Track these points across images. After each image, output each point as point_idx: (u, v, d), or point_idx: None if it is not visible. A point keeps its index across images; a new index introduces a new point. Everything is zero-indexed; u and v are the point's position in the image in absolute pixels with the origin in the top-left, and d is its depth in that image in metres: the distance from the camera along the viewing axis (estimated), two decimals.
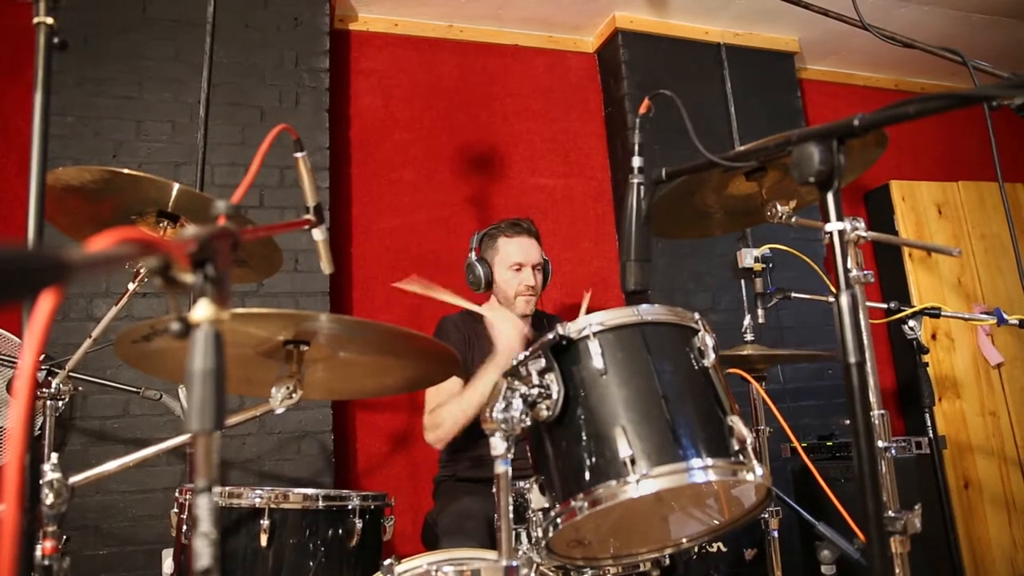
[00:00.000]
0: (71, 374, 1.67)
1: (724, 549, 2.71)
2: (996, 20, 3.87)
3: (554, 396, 1.24)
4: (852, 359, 0.95)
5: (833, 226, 1.00)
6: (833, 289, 2.20)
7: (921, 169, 4.24)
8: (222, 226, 0.69)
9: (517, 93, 3.71)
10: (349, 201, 3.32)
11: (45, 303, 0.39)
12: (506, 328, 2.15)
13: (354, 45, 3.52)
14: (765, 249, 2.22)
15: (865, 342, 1.03)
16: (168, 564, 2.43)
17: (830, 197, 1.01)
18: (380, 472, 3.09)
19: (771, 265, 2.44)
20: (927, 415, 1.93)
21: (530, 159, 3.65)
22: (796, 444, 1.57)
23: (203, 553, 0.67)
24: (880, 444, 1.37)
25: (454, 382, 2.27)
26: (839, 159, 0.99)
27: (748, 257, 3.52)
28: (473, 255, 2.44)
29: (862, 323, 1.07)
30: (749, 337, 2.00)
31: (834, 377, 3.64)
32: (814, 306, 3.64)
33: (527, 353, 1.28)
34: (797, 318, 3.55)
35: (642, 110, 1.39)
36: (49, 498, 1.12)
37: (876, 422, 1.37)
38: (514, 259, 2.37)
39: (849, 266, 1.10)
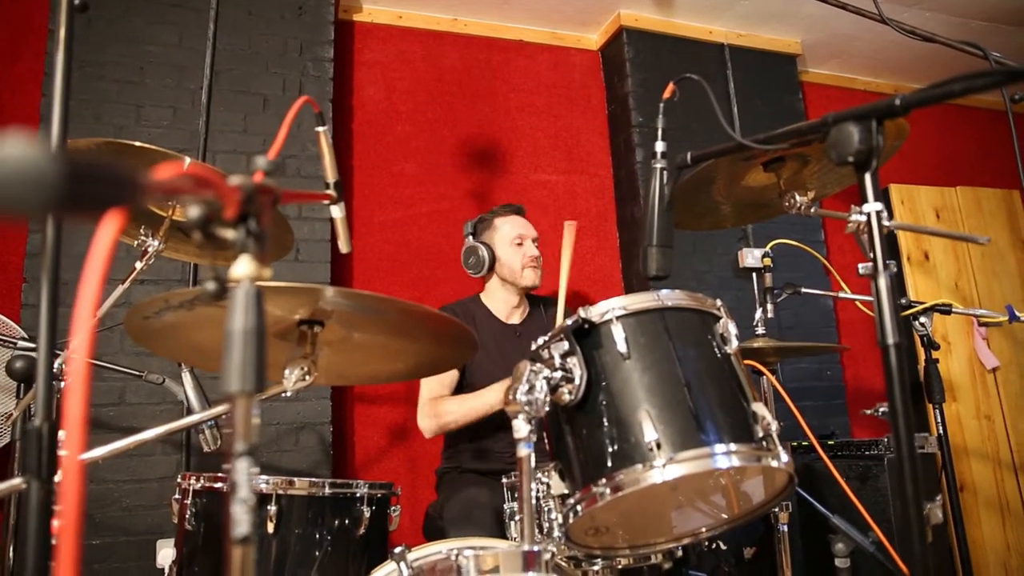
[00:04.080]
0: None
1: (724, 547, 2.70)
2: (996, 27, 3.90)
3: (576, 380, 1.22)
4: (890, 340, 0.93)
5: (871, 207, 0.98)
6: (843, 284, 2.20)
7: (920, 173, 4.26)
8: (266, 182, 0.67)
9: (520, 88, 3.70)
10: (351, 192, 3.29)
11: (109, 224, 0.36)
12: None
13: (358, 36, 3.49)
14: (773, 244, 2.21)
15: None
16: (163, 554, 2.39)
17: (867, 178, 0.99)
18: (378, 465, 3.05)
19: (772, 264, 2.44)
20: (937, 412, 1.92)
21: (533, 155, 3.63)
22: (812, 438, 1.56)
23: (241, 520, 0.65)
24: None
25: (451, 372, 2.27)
26: (878, 139, 0.97)
27: (749, 256, 3.55)
28: (471, 239, 2.45)
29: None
30: (760, 331, 1.99)
31: (833, 378, 3.64)
32: (814, 305, 3.65)
33: (549, 336, 1.26)
34: (797, 318, 3.56)
35: (666, 94, 1.37)
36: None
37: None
38: (516, 233, 2.41)
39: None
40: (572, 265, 2.25)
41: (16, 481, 1.04)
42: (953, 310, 1.92)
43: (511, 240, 2.40)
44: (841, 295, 2.11)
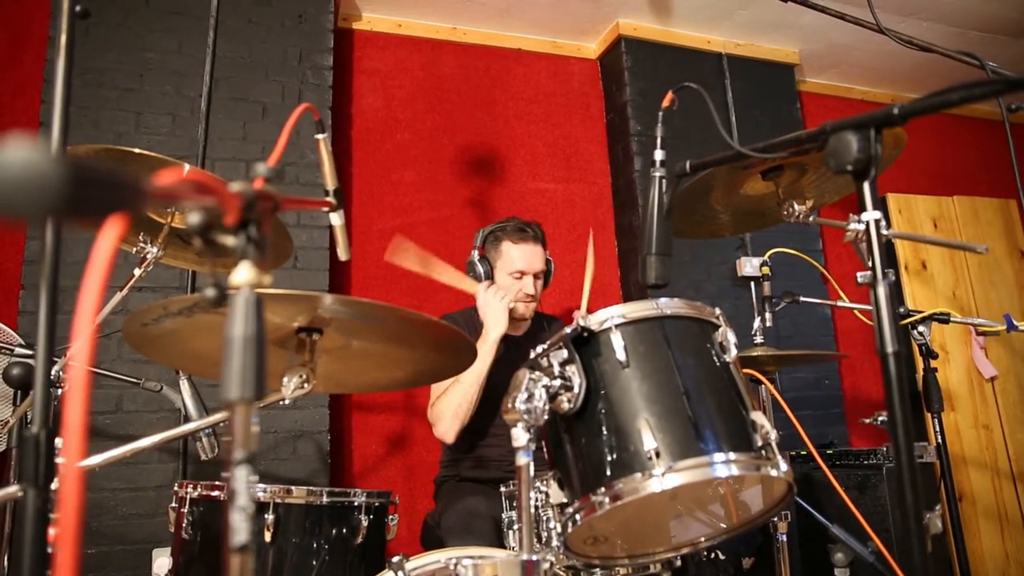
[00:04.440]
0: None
1: (722, 557, 2.70)
2: (993, 38, 3.92)
3: (575, 389, 1.21)
4: (890, 348, 0.93)
5: (869, 215, 0.98)
6: (841, 293, 2.20)
7: (917, 183, 4.27)
8: (266, 188, 0.67)
9: (519, 97, 3.71)
10: (349, 200, 3.29)
11: (111, 230, 0.36)
12: (493, 304, 2.27)
13: (357, 44, 3.50)
14: (772, 253, 2.20)
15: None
16: (159, 564, 2.38)
17: (866, 187, 0.99)
18: (376, 474, 3.04)
19: (771, 273, 2.43)
20: (936, 421, 1.92)
21: (531, 163, 3.64)
22: (811, 448, 1.56)
23: (240, 528, 0.64)
24: None
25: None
26: (877, 148, 0.97)
27: (747, 265, 3.55)
28: (476, 253, 2.41)
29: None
30: (759, 339, 1.98)
31: (831, 387, 3.64)
32: (812, 314, 3.65)
33: (548, 344, 1.26)
34: (795, 327, 3.56)
35: (666, 103, 1.37)
36: (55, 483, 1.08)
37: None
38: (516, 266, 2.35)
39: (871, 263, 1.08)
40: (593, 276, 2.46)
41: (12, 489, 1.03)
42: (951, 319, 1.92)
43: (511, 271, 2.36)
44: (839, 304, 2.11)
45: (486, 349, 2.19)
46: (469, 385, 2.15)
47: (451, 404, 2.15)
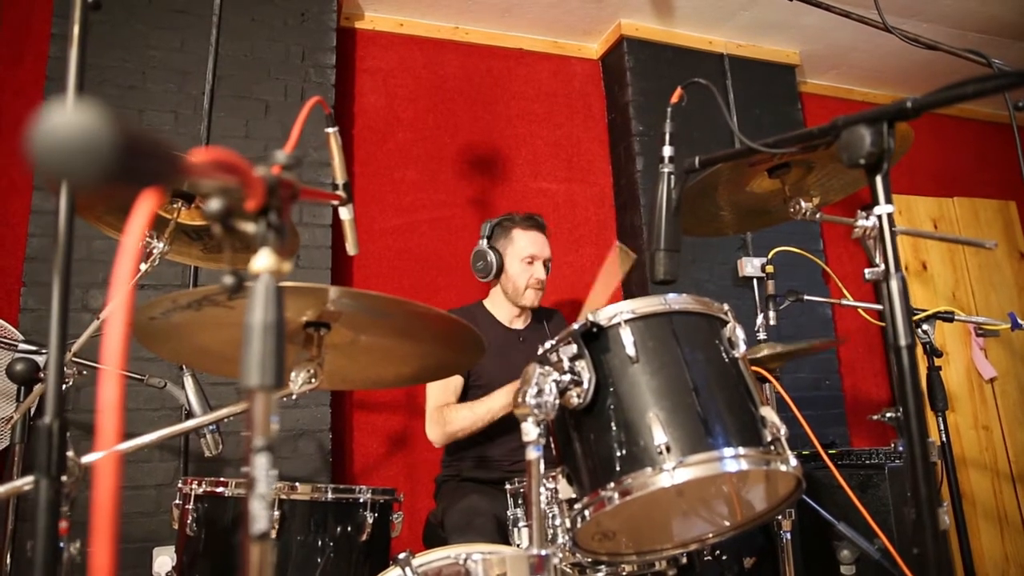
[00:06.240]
0: (74, 359, 1.62)
1: (724, 557, 2.70)
2: (992, 39, 3.94)
3: (585, 384, 1.21)
4: (903, 342, 0.93)
5: (882, 209, 0.99)
6: (845, 291, 2.19)
7: (917, 184, 4.28)
8: (285, 175, 0.67)
9: (521, 96, 3.71)
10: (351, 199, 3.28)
11: (147, 202, 0.36)
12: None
13: (360, 44, 3.50)
14: (775, 252, 2.21)
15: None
16: (160, 562, 2.37)
17: (879, 180, 1.00)
18: (378, 472, 3.03)
19: (774, 271, 2.43)
20: (940, 420, 1.92)
21: (533, 162, 3.64)
22: (818, 446, 1.56)
23: (260, 516, 0.64)
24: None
25: (457, 379, 2.27)
26: (889, 142, 0.97)
27: (748, 265, 3.55)
28: (484, 243, 2.41)
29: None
30: (762, 336, 1.98)
31: (831, 388, 3.64)
32: (813, 314, 3.66)
33: (557, 339, 1.25)
34: (796, 327, 3.56)
35: (674, 99, 1.38)
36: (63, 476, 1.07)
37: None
38: (529, 251, 2.37)
39: (878, 260, 1.09)
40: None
41: (23, 480, 1.03)
42: (955, 318, 1.92)
43: (523, 257, 2.37)
44: (844, 302, 2.11)
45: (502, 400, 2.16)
46: (480, 420, 2.17)
47: (455, 424, 2.18)
